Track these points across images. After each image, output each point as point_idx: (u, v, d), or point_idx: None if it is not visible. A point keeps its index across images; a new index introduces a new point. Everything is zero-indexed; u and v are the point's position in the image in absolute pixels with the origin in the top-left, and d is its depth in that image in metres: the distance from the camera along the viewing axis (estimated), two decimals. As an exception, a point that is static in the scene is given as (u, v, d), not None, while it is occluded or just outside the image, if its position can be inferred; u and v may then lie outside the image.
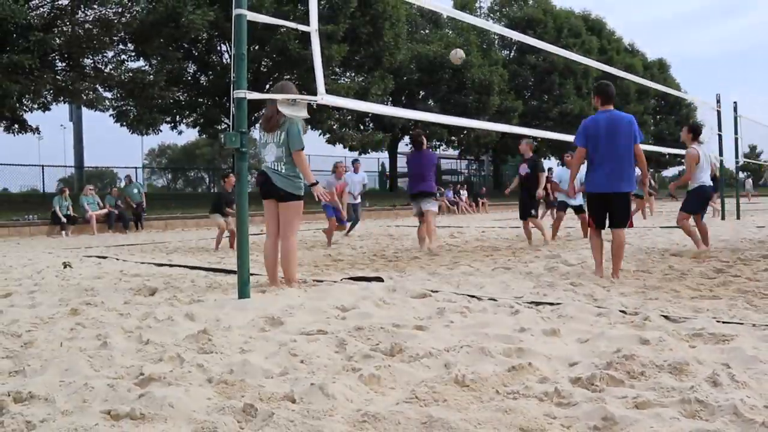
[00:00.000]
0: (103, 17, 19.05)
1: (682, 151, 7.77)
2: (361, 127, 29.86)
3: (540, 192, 8.92)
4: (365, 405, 2.20)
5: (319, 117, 24.33)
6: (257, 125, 5.15)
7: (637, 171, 5.97)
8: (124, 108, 22.10)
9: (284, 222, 4.92)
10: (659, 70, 48.43)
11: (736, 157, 14.96)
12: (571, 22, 39.23)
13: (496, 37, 35.49)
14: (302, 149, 4.82)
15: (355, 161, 12.78)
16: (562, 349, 2.89)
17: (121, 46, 21.26)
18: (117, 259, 8.16)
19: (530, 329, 3.30)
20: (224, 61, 23.80)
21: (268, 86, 23.72)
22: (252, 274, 4.88)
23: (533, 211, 9.01)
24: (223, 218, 9.86)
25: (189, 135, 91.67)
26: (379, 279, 5.30)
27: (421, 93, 31.84)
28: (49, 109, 20.25)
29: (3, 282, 6.01)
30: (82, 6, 18.87)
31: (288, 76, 23.90)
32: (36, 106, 19.67)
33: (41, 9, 18.81)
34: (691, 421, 1.99)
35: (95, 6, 18.85)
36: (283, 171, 4.86)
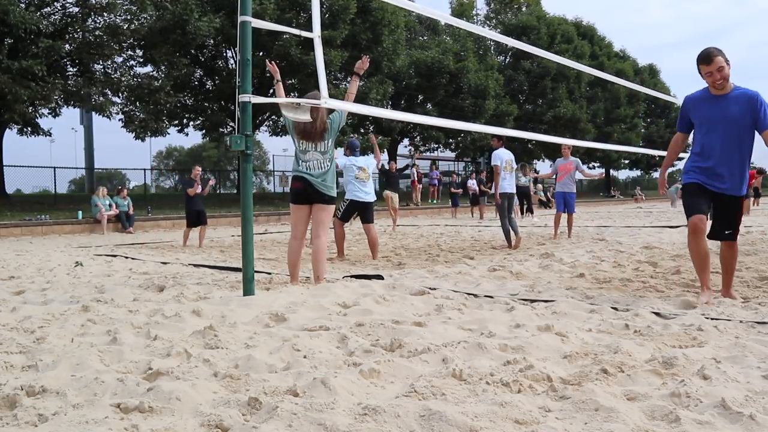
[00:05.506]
0: (112, 24, 19.28)
1: None
2: (362, 131, 29.93)
3: None
4: (366, 398, 2.24)
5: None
6: (298, 135, 5.28)
7: None
8: (131, 113, 22.26)
9: (319, 222, 5.15)
10: (649, 74, 48.56)
11: None
12: (564, 29, 39.43)
13: (491, 43, 35.66)
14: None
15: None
16: (556, 345, 2.93)
17: (129, 52, 21.51)
18: (126, 258, 8.17)
19: (525, 325, 3.35)
20: (229, 66, 23.89)
21: (271, 91, 23.82)
22: (257, 272, 4.94)
23: None
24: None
25: (195, 137, 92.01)
26: (380, 277, 5.36)
27: (420, 97, 31.89)
28: (59, 114, 20.42)
29: (16, 279, 6.06)
30: (92, 13, 19.11)
31: (290, 81, 23.99)
32: (47, 111, 19.82)
33: (53, 17, 19.01)
34: (681, 414, 2.01)
35: (104, 13, 19.10)
36: (328, 178, 5.11)
